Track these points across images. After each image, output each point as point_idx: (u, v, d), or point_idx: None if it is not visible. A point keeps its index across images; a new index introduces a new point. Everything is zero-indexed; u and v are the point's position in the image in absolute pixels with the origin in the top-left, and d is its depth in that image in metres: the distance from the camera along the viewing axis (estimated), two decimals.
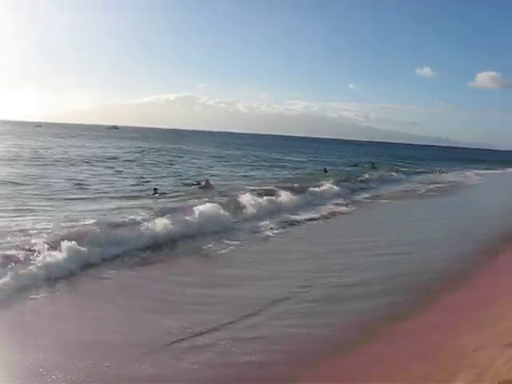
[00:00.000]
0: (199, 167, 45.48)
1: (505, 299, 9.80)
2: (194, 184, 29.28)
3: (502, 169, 78.60)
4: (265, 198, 22.51)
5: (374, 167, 54.89)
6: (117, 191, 25.70)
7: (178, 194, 25.42)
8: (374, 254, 14.40)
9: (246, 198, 21.27)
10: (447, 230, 19.10)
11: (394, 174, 47.39)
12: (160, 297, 10.11)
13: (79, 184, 27.27)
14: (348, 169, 51.99)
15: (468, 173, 60.31)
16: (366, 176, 40.26)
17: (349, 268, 12.86)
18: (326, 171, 42.93)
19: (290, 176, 39.51)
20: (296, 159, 69.24)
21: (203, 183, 28.45)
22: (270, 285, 11.24)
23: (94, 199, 22.29)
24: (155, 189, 25.05)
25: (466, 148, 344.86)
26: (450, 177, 51.60)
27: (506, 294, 10.15)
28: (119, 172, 36.73)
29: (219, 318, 8.95)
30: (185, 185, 29.38)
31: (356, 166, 57.14)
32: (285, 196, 23.94)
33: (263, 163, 56.39)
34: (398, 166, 63.71)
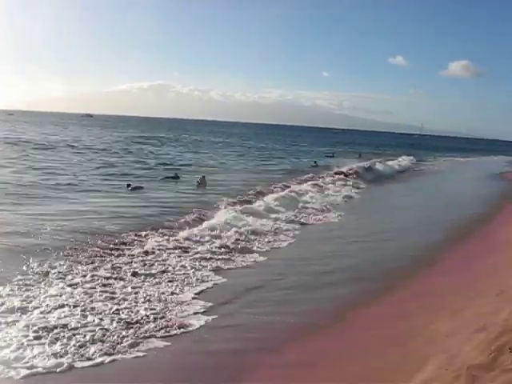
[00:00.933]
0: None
1: (473, 285, 9.97)
2: (171, 177, 28.58)
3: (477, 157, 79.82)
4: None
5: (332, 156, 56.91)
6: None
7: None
8: (350, 242, 14.60)
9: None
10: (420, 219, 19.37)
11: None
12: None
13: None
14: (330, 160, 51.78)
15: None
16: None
17: (325, 256, 13.02)
18: (316, 164, 43.00)
19: (289, 167, 40.08)
20: (281, 148, 69.84)
21: (198, 180, 26.80)
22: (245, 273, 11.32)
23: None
24: (128, 184, 24.62)
25: (441, 136, 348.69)
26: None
27: (474, 280, 10.33)
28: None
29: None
30: (166, 178, 28.56)
31: (333, 156, 57.76)
32: None
33: (256, 153, 56.27)
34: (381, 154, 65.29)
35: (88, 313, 8.35)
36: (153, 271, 10.90)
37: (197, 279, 10.57)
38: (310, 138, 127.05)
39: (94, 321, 8.05)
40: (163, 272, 10.91)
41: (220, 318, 8.54)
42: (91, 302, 8.89)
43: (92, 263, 11.10)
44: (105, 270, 10.75)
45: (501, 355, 4.70)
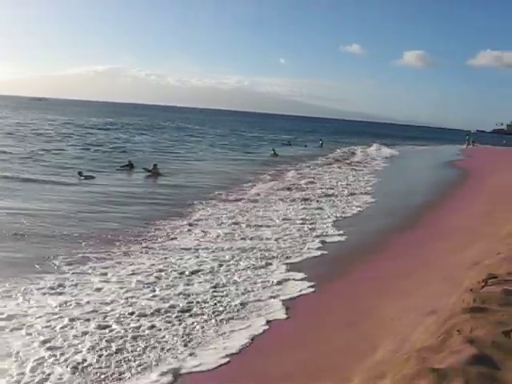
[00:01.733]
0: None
1: (422, 270, 10.18)
2: (122, 167, 27.72)
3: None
4: None
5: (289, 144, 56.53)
6: None
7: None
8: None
9: None
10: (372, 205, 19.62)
11: None
12: None
13: None
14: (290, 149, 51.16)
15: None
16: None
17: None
18: (275, 154, 41.94)
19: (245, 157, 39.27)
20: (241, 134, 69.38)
21: (151, 169, 26.17)
22: None
23: None
24: (80, 172, 23.97)
25: (395, 124, 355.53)
26: None
27: (423, 265, 10.54)
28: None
29: None
30: (120, 168, 27.61)
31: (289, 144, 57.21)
32: None
33: (215, 142, 54.92)
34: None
35: None
36: None
37: None
38: (268, 124, 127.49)
39: None
40: None
41: None
42: None
43: None
44: None
45: (449, 337, 4.77)
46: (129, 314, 8.05)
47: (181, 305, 8.46)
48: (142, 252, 11.69)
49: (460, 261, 9.71)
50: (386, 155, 48.97)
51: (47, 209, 16.03)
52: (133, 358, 6.67)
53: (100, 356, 6.66)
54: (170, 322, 7.82)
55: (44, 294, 8.76)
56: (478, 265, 8.08)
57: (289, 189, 22.31)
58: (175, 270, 10.34)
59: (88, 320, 7.76)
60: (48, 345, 6.89)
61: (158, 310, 8.23)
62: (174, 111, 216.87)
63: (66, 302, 8.39)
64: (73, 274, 9.92)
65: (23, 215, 14.54)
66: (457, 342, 4.60)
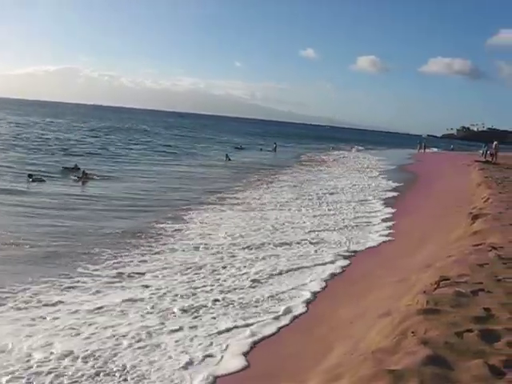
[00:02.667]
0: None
1: (376, 272, 10.36)
2: (71, 168, 26.56)
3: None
4: None
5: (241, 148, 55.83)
6: None
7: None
8: None
9: None
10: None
11: None
12: None
13: None
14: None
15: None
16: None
17: None
18: (228, 159, 40.57)
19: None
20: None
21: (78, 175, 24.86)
22: None
23: None
24: (30, 175, 23.03)
25: (350, 129, 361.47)
26: None
27: (376, 268, 10.73)
28: None
29: None
30: (65, 169, 26.72)
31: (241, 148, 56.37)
32: None
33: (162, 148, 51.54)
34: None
35: None
36: None
37: None
38: (223, 127, 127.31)
39: None
40: None
41: None
42: None
43: None
44: None
45: (404, 339, 4.84)
46: None
47: None
48: None
49: (412, 263, 9.92)
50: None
51: None
52: None
53: None
54: None
55: None
56: (430, 267, 8.26)
57: None
58: None
59: None
60: None
61: None
62: (126, 112, 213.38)
63: None
64: None
65: None
66: (411, 344, 4.67)
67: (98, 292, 9.00)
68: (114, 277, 9.86)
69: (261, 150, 56.39)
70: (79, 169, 26.23)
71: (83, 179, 24.23)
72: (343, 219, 16.88)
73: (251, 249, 12.42)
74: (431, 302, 5.76)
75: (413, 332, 4.99)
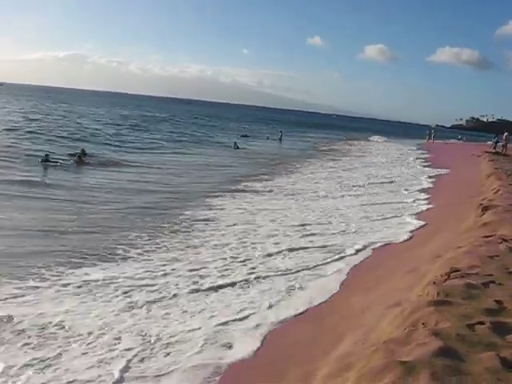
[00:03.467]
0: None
1: (387, 262, 10.36)
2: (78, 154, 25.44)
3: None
4: None
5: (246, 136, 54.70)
6: None
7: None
8: None
9: None
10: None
11: None
12: None
13: None
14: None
15: None
16: None
17: None
18: (237, 147, 40.07)
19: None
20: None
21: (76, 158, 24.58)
22: None
23: None
24: (46, 155, 23.05)
25: (357, 117, 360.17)
26: None
27: (387, 258, 10.73)
28: None
29: None
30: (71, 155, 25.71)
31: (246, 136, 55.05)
32: None
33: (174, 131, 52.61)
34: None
35: None
36: None
37: None
38: (229, 115, 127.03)
39: None
40: None
41: None
42: None
43: None
44: None
45: (415, 330, 4.85)
46: None
47: None
48: None
49: (423, 254, 9.92)
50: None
51: None
52: None
53: None
54: None
55: None
56: (440, 258, 8.25)
57: None
58: None
59: None
60: None
61: None
62: (134, 99, 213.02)
63: None
64: None
65: None
66: (422, 335, 4.69)
67: None
68: None
69: (267, 138, 55.48)
70: (86, 153, 25.95)
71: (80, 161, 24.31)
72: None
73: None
74: (442, 294, 5.77)
75: (424, 323, 5.00)
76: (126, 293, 8.27)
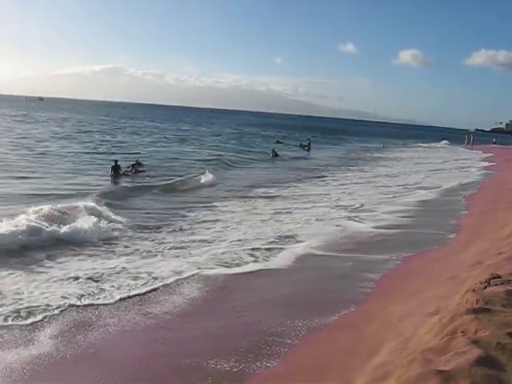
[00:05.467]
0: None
1: (427, 269, 10.18)
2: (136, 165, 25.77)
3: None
4: None
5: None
6: None
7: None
8: None
9: None
10: None
11: None
12: None
13: None
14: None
15: None
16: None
17: None
18: (276, 155, 39.86)
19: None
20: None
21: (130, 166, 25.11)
22: None
23: None
24: (115, 163, 24.02)
25: (393, 123, 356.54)
26: None
27: (427, 264, 10.54)
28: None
29: None
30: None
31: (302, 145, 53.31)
32: None
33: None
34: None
35: None
36: None
37: None
38: (265, 123, 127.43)
39: None
40: None
41: None
42: None
43: None
44: None
45: (454, 339, 4.75)
46: None
47: None
48: None
49: (463, 260, 9.70)
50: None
51: None
52: None
53: None
54: None
55: None
56: (481, 264, 8.07)
57: None
58: None
59: None
60: None
61: None
62: (173, 110, 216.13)
63: None
64: None
65: None
66: (461, 344, 4.58)
67: None
68: None
69: (300, 145, 53.98)
70: (141, 164, 26.34)
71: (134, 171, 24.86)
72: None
73: None
74: (482, 301, 5.62)
75: (463, 332, 4.89)
76: None
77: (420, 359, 4.52)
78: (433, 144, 77.90)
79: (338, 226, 14.68)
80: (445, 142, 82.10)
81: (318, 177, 27.73)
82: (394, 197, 20.88)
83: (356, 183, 25.44)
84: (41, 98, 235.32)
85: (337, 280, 9.99)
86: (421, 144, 75.77)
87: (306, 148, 51.43)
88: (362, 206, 18.28)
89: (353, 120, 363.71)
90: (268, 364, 6.44)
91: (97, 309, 8.17)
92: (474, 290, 6.19)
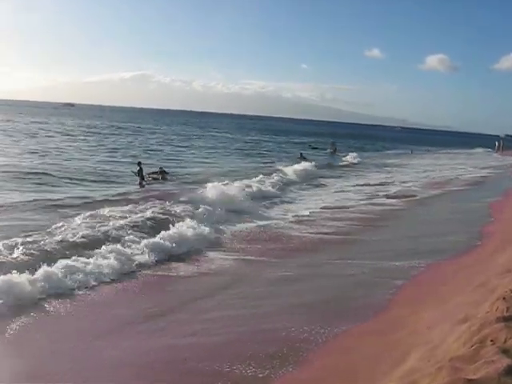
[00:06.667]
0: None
1: (456, 276, 10.04)
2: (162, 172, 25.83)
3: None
4: None
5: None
6: None
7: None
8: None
9: None
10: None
11: None
12: None
13: None
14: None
15: None
16: None
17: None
18: (303, 157, 40.09)
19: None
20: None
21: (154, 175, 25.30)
22: None
23: None
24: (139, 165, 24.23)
25: (422, 129, 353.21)
26: None
27: (456, 271, 10.40)
28: None
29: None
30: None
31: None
32: None
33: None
34: None
35: None
36: None
37: None
38: (295, 130, 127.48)
39: None
40: None
41: None
42: None
43: None
44: None
45: (483, 347, 4.69)
46: None
47: None
48: None
49: (493, 267, 9.53)
50: None
51: None
52: None
53: None
54: None
55: None
56: (511, 272, 7.92)
57: None
58: None
59: None
60: None
61: None
62: (203, 117, 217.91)
63: None
64: None
65: None
66: (490, 352, 4.52)
67: None
68: None
69: (328, 150, 54.94)
70: (165, 172, 26.28)
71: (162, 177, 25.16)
72: None
73: None
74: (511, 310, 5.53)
75: (492, 340, 4.82)
76: None
77: (448, 367, 4.47)
78: (465, 150, 76.57)
79: None
80: (479, 149, 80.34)
81: None
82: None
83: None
84: (71, 104, 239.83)
85: (361, 286, 9.95)
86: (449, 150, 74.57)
87: (332, 151, 53.76)
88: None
89: (381, 126, 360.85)
90: (293, 370, 6.43)
91: None
92: (504, 298, 6.08)
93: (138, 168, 24.17)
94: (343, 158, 46.12)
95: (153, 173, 25.64)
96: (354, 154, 48.03)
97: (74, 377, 6.32)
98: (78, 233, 12.21)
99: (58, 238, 11.76)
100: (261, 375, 6.30)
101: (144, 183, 23.61)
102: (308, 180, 28.62)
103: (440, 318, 7.37)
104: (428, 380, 4.50)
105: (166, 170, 26.90)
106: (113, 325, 8.02)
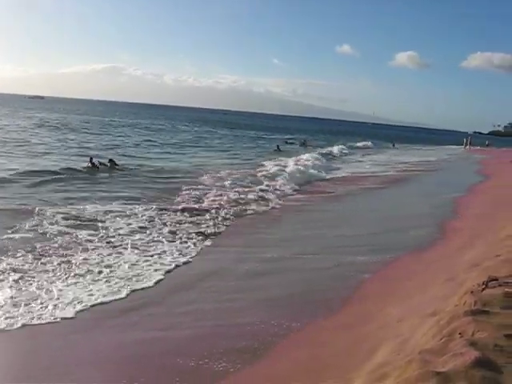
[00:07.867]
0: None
1: (424, 271, 10.19)
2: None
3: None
4: None
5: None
6: None
7: None
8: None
9: None
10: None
11: None
12: None
13: None
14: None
15: None
16: None
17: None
18: (279, 149, 42.42)
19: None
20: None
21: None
22: None
23: None
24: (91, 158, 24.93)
25: (392, 125, 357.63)
26: None
27: (425, 266, 10.55)
28: None
29: None
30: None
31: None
32: None
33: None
34: None
35: None
36: None
37: None
38: (268, 125, 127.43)
39: None
40: None
41: None
42: None
43: None
44: None
45: (451, 340, 4.76)
46: None
47: None
48: None
49: (460, 262, 9.70)
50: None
51: None
52: None
53: None
54: None
55: None
56: (478, 267, 8.07)
57: None
58: None
59: None
60: None
61: None
62: (171, 110, 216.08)
63: None
64: None
65: None
66: (459, 345, 4.59)
67: None
68: None
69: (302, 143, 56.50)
70: (115, 163, 25.94)
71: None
72: None
73: None
74: (479, 303, 5.64)
75: (460, 333, 4.90)
76: None
77: (418, 360, 4.53)
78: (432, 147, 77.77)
79: None
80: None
81: None
82: None
83: None
84: (40, 97, 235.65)
85: (329, 279, 10.04)
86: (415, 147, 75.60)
87: (302, 143, 56.29)
88: None
89: (354, 122, 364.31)
90: (263, 364, 6.46)
91: None
92: (471, 292, 6.20)
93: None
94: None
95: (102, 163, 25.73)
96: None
97: (49, 374, 6.18)
98: None
99: None
100: (232, 370, 6.31)
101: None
102: None
103: (408, 311, 7.47)
104: (398, 373, 4.55)
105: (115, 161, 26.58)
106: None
